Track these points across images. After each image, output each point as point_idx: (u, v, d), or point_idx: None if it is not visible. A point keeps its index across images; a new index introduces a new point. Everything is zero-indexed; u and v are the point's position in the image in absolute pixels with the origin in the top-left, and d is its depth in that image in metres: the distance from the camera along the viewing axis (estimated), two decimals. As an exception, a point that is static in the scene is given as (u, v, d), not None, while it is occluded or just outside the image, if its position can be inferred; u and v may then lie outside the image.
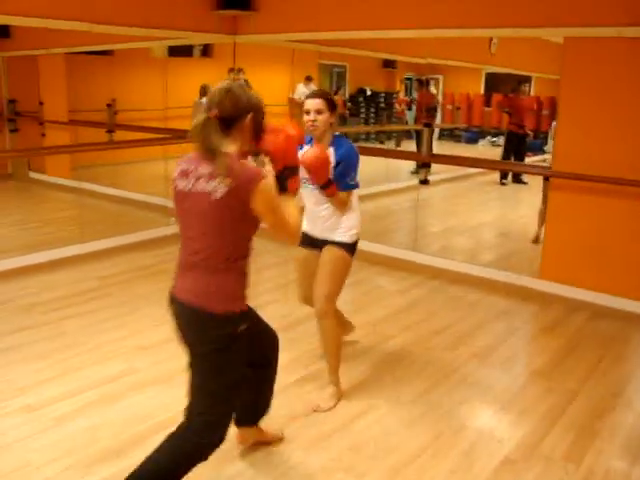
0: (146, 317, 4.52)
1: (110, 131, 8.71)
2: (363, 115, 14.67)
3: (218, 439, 2.39)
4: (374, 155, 9.44)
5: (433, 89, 13.47)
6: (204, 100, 2.48)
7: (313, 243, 3.46)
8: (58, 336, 4.15)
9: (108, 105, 8.84)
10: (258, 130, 2.31)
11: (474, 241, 6.81)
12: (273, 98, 12.14)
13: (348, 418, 3.27)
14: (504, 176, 10.02)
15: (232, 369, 2.36)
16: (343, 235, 3.37)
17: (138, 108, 9.17)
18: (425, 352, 4.09)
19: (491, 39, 9.44)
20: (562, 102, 4.98)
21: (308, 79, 12.50)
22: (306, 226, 3.41)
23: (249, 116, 2.25)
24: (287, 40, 6.66)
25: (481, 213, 7.71)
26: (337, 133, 3.36)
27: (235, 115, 2.24)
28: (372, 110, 14.92)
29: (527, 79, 10.84)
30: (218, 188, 2.14)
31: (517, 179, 9.73)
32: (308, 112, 3.22)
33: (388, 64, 15.61)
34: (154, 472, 2.33)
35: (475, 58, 10.24)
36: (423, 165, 5.92)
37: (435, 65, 14.09)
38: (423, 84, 12.45)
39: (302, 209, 3.31)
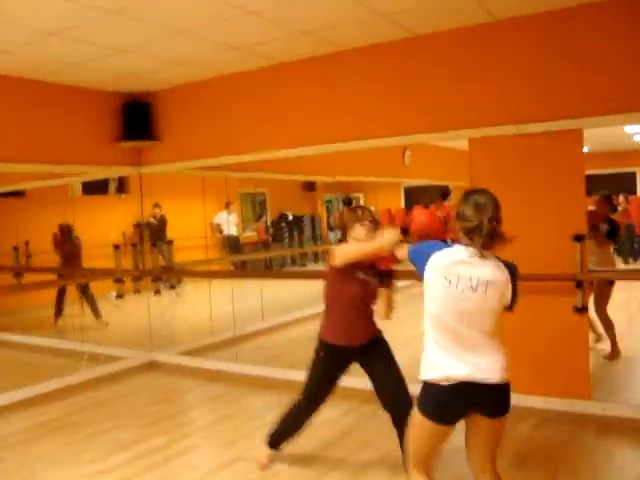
0: (43, 482, 3.93)
1: (18, 274, 8.26)
2: (286, 240, 14.61)
3: (305, 405, 3.84)
4: (298, 278, 9.21)
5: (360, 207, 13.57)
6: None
7: None
8: None
9: (15, 248, 8.47)
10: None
11: (407, 357, 6.46)
12: (191, 230, 11.97)
13: None
14: None
15: (314, 369, 3.74)
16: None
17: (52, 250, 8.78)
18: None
19: (404, 151, 9.60)
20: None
21: (227, 205, 12.47)
22: None
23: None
24: (192, 167, 6.47)
25: (413, 326, 7.40)
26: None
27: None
28: (295, 234, 14.89)
29: (448, 192, 11.02)
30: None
31: None
32: None
33: (308, 187, 15.78)
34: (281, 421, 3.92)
35: (390, 172, 10.37)
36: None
37: (354, 183, 14.33)
38: (347, 203, 12.51)
39: None
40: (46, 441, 4.61)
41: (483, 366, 2.60)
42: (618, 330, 6.19)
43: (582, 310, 4.45)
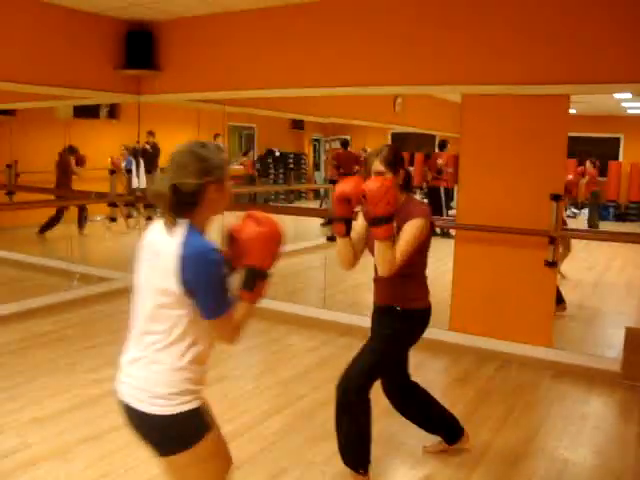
0: (43, 387, 4.22)
1: (10, 193, 8.37)
2: (272, 176, 14.76)
3: None
4: (284, 214, 9.49)
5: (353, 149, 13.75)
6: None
7: None
8: (-58, 411, 3.82)
9: (8, 166, 8.52)
10: None
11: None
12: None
13: (258, 483, 3.13)
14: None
15: None
16: None
17: (41, 170, 8.88)
18: (338, 410, 3.99)
19: (395, 98, 9.76)
20: (462, 157, 5.14)
21: (216, 137, 12.55)
22: None
23: None
24: (191, 99, 6.63)
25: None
26: None
27: None
28: (281, 170, 15.03)
29: (445, 142, 11.33)
30: None
31: (444, 233, 9.90)
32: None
33: (296, 125, 15.85)
34: None
35: (380, 118, 10.53)
36: (328, 222, 5.89)
37: (342, 125, 14.43)
38: (344, 145, 12.71)
39: None
40: (42, 351, 4.90)
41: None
42: (586, 289, 6.58)
43: (552, 264, 4.78)
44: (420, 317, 3.12)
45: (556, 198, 4.66)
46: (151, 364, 1.92)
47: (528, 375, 4.69)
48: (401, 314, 3.05)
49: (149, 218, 7.20)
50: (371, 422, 3.02)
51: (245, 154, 14.03)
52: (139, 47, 6.40)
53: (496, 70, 4.78)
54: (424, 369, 4.83)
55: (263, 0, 5.56)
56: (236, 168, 14.23)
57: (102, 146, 9.48)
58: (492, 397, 4.29)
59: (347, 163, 11.05)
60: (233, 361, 4.84)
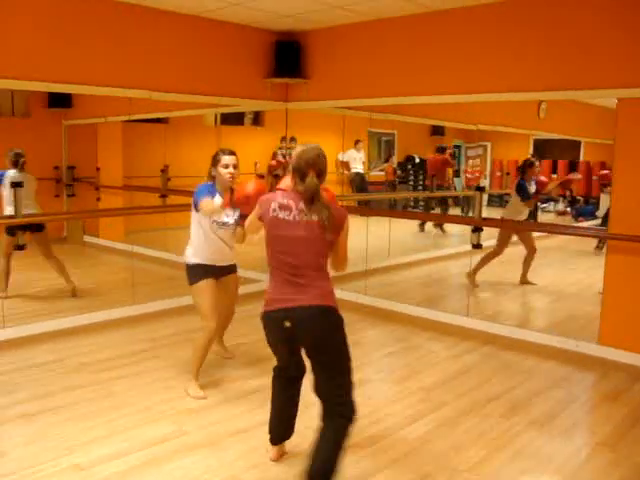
0: (195, 379, 4.46)
1: (163, 196, 8.88)
2: (412, 182, 14.71)
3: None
4: (426, 220, 9.52)
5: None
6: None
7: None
8: (107, 396, 4.13)
9: (162, 170, 9.05)
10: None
11: (528, 306, 6.63)
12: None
13: (402, 487, 3.14)
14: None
15: (346, 346, 2.94)
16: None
17: (191, 175, 9.36)
18: (480, 419, 3.93)
19: (540, 104, 9.46)
20: (617, 165, 4.90)
21: (357, 143, 12.70)
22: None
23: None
24: (337, 107, 6.76)
25: (535, 277, 7.58)
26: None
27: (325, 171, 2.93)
28: (420, 177, 14.95)
29: None
30: (324, 218, 2.81)
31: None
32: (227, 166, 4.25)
33: (436, 131, 15.72)
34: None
35: (523, 124, 10.25)
36: (475, 229, 5.80)
37: (483, 132, 14.16)
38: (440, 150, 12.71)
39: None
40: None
41: None
42: None
43: None
44: (263, 321, 3.09)
45: None
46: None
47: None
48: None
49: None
50: (277, 399, 3.30)
51: (387, 160, 14.08)
52: (287, 56, 6.60)
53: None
54: (570, 383, 4.66)
55: (408, 7, 5.58)
56: (375, 174, 14.34)
57: (247, 152, 9.83)
58: (646, 419, 4.06)
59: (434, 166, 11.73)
60: (375, 365, 4.89)
